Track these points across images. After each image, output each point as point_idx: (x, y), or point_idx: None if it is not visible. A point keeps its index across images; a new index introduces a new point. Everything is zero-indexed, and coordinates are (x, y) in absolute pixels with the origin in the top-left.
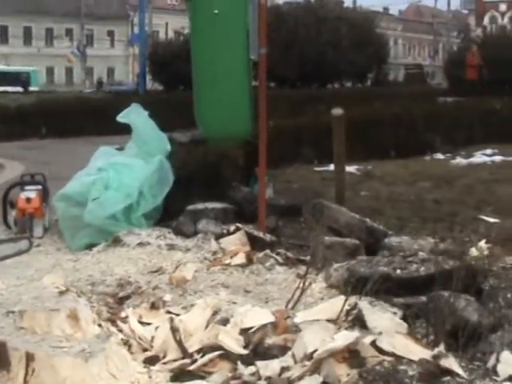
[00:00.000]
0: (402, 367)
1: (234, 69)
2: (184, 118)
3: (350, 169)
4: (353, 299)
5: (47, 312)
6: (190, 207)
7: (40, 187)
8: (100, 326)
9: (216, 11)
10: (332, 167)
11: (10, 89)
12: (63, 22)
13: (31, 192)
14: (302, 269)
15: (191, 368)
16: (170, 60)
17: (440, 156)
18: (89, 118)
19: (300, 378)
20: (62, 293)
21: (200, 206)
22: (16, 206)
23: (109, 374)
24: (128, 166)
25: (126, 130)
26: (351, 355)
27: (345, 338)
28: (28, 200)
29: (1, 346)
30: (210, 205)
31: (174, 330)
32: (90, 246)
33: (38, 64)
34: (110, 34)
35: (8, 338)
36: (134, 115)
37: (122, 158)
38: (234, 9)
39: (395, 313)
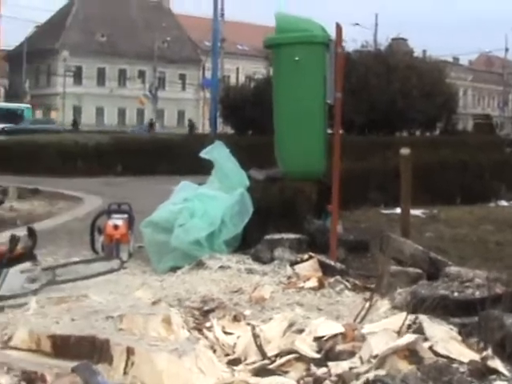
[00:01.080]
0: (455, 365)
1: (311, 111)
2: (252, 161)
3: (416, 212)
4: (413, 316)
5: (144, 316)
6: (268, 237)
7: (126, 216)
8: (189, 331)
9: (297, 58)
10: (399, 210)
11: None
12: (136, 64)
13: (118, 220)
14: (369, 295)
15: (270, 367)
16: (241, 104)
17: (504, 203)
18: (162, 158)
19: (366, 372)
20: (154, 303)
21: (276, 235)
22: (104, 232)
23: (198, 369)
24: (212, 197)
25: (196, 170)
26: (411, 354)
27: (407, 338)
28: (115, 227)
29: (104, 342)
30: (286, 235)
31: (255, 336)
32: (174, 269)
33: (110, 104)
34: (182, 77)
35: (110, 337)
36: (217, 152)
37: (207, 190)
38: (313, 56)
39: (451, 329)
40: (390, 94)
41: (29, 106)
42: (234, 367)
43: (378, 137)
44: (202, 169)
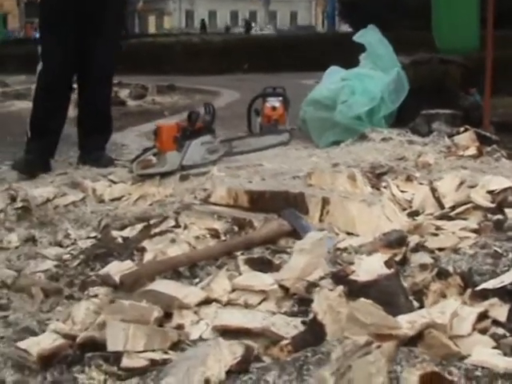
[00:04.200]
0: None
1: None
2: None
3: None
4: None
5: (331, 173)
6: (424, 112)
7: (281, 98)
8: (371, 188)
9: None
10: None
11: None
12: None
13: (275, 101)
14: None
15: (450, 214)
16: (360, 2)
17: None
18: (287, 55)
19: None
20: (334, 165)
21: (432, 111)
22: (261, 113)
23: (385, 217)
24: (369, 75)
25: (320, 65)
26: None
27: None
28: (273, 108)
29: (299, 195)
30: (441, 110)
31: (433, 190)
32: (335, 144)
33: (222, 8)
34: None
35: (304, 190)
36: (370, 35)
37: (363, 70)
38: None
39: None
40: None
41: None
42: (415, 217)
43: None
44: (326, 64)
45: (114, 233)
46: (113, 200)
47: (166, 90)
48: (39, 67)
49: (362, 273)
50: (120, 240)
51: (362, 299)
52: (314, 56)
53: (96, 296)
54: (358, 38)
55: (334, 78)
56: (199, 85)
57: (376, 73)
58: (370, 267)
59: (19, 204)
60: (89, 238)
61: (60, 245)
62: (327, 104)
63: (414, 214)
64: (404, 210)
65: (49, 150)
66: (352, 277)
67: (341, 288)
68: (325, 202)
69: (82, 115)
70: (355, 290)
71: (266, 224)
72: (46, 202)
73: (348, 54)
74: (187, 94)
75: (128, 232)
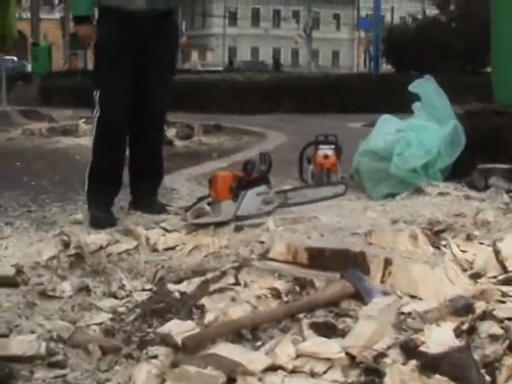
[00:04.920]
0: None
1: None
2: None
3: None
4: None
5: (392, 231)
6: (480, 166)
7: (333, 146)
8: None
9: None
10: None
11: None
12: (290, 5)
13: (327, 150)
14: None
15: None
16: (404, 44)
17: None
18: (332, 95)
19: None
20: (393, 221)
21: (488, 165)
22: (314, 161)
23: (448, 280)
24: (425, 127)
25: (366, 108)
26: None
27: None
28: (325, 156)
29: (360, 254)
30: (498, 165)
31: (497, 252)
32: (388, 196)
33: (265, 45)
34: (336, 17)
35: (364, 249)
36: (425, 85)
37: (418, 121)
38: None
39: None
40: None
41: None
42: (477, 280)
43: None
44: (371, 106)
45: (171, 286)
46: (167, 249)
47: (212, 129)
48: (97, 113)
49: (432, 344)
50: (177, 295)
51: (437, 376)
52: (357, 97)
53: (156, 357)
54: (414, 87)
55: (388, 128)
56: (243, 125)
57: (432, 124)
58: (440, 338)
59: (72, 251)
60: (144, 290)
61: (115, 296)
62: (383, 156)
63: (475, 277)
64: (465, 270)
65: (113, 199)
66: (422, 348)
67: (414, 363)
68: (387, 262)
69: (134, 157)
70: (426, 363)
71: (329, 285)
72: (99, 249)
73: (391, 95)
74: (233, 135)
75: (185, 286)
